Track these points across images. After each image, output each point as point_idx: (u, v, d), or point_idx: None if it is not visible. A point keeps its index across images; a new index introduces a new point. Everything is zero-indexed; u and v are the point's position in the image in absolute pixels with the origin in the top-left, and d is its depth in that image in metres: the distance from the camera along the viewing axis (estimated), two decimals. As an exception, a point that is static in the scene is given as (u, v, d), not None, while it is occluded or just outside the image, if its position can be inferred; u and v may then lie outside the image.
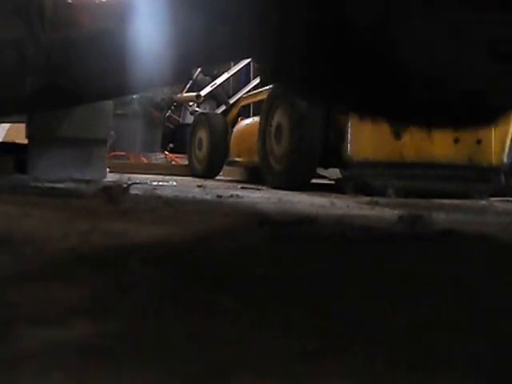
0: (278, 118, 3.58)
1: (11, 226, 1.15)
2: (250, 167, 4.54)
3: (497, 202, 2.87)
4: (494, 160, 3.38)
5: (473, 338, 0.58)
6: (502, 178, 3.39)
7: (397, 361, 0.50)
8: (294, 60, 1.25)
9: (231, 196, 2.49)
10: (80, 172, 2.85)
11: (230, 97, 5.77)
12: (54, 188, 2.36)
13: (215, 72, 6.39)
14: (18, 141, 3.13)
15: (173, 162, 6.32)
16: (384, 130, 3.31)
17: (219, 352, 0.50)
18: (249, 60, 5.47)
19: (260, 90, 4.58)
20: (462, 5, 1.02)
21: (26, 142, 2.91)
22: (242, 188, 3.33)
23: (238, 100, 5.35)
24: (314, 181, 3.54)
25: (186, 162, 5.52)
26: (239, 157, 4.58)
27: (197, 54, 1.92)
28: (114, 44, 1.94)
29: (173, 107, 7.25)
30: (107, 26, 1.96)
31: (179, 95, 6.65)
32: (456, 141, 3.29)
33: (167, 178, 4.29)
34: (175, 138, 7.49)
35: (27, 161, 2.83)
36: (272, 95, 3.70)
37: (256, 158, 3.87)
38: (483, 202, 2.85)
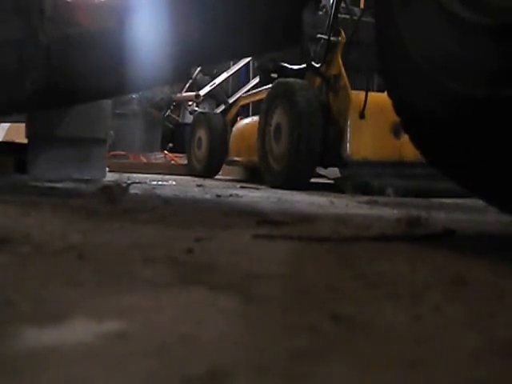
0: (277, 117, 3.58)
1: (11, 226, 1.16)
2: (250, 167, 4.55)
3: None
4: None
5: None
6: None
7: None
8: None
9: (230, 195, 2.49)
10: (79, 172, 2.86)
11: (229, 96, 5.78)
12: (53, 188, 2.37)
13: (214, 71, 6.40)
14: (18, 141, 3.14)
15: (172, 162, 6.32)
16: (383, 129, 3.32)
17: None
18: (248, 59, 5.48)
19: (259, 89, 4.59)
20: None
21: (26, 141, 2.91)
22: (242, 187, 3.33)
23: (237, 99, 5.36)
24: (313, 180, 3.54)
25: (186, 162, 5.53)
26: (238, 156, 4.59)
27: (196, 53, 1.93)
28: (114, 43, 1.94)
29: (172, 107, 7.26)
30: (107, 25, 1.96)
31: (178, 95, 6.67)
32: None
33: (167, 177, 4.30)
34: (174, 137, 7.50)
35: (27, 161, 2.83)
36: (271, 95, 3.70)
37: (255, 158, 3.87)
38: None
